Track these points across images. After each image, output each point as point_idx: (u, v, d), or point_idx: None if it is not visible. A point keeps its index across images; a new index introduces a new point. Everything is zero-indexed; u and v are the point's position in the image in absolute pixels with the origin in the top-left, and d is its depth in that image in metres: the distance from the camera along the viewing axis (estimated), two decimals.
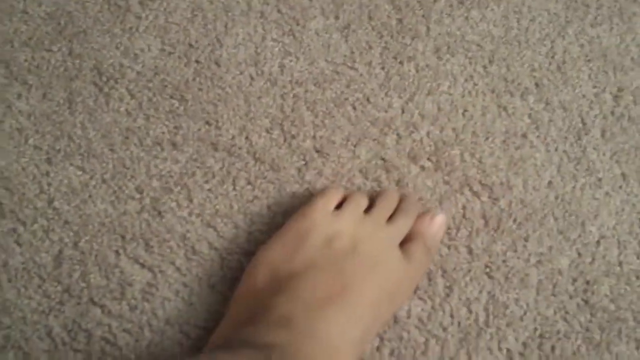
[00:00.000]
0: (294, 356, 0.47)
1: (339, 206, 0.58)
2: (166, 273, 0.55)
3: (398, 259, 0.55)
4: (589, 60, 0.70)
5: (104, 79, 0.65)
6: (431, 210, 0.61)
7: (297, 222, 0.56)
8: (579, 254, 0.59)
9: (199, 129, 0.63)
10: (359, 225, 0.56)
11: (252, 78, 0.67)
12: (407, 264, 0.55)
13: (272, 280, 0.53)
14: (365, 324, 0.51)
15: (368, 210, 0.58)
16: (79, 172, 0.60)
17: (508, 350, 0.54)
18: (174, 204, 0.59)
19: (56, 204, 0.58)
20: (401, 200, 0.60)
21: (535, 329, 0.55)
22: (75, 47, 0.67)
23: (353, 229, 0.55)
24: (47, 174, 0.60)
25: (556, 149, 0.64)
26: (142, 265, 0.56)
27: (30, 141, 0.61)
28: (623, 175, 0.63)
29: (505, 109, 0.67)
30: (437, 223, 0.59)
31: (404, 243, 0.57)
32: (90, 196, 0.59)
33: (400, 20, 0.72)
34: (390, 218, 0.58)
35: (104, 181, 0.60)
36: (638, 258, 0.59)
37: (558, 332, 0.55)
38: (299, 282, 0.51)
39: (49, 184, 0.59)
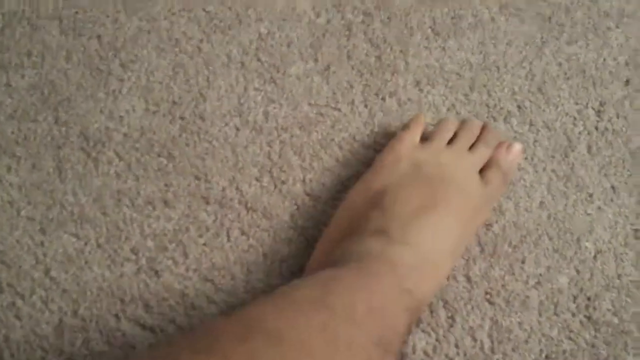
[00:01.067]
0: (390, 260, 0.50)
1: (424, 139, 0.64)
2: (167, 331, 0.55)
3: (478, 183, 0.60)
4: (568, 78, 0.71)
5: (91, 143, 0.65)
6: (508, 141, 0.64)
7: (387, 155, 0.61)
8: (577, 271, 0.59)
9: (189, 184, 0.63)
10: (443, 155, 0.61)
11: (237, 128, 0.67)
12: (486, 189, 0.60)
13: (366, 200, 0.57)
14: (454, 235, 0.56)
15: (452, 140, 0.64)
16: (74, 239, 0.60)
17: None
18: (170, 262, 0.59)
19: (53, 273, 0.58)
20: (482, 130, 0.65)
21: (541, 351, 0.55)
22: (61, 115, 0.67)
23: (438, 157, 0.61)
24: (42, 244, 0.59)
25: (544, 169, 0.65)
26: (143, 327, 0.55)
27: (23, 213, 0.61)
28: (613, 188, 0.64)
29: None
30: (514, 152, 0.63)
31: (484, 169, 0.62)
32: (86, 262, 0.59)
33: (378, 57, 0.73)
34: (472, 147, 0.63)
35: (99, 246, 0.59)
36: (636, 269, 0.59)
37: (564, 351, 0.55)
38: (392, 197, 0.56)
39: (45, 254, 0.59)
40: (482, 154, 0.62)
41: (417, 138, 0.63)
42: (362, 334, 0.43)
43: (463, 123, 0.65)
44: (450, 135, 0.64)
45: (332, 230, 0.58)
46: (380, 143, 0.66)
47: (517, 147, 0.63)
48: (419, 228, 0.53)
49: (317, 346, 0.41)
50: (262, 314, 0.43)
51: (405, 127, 0.64)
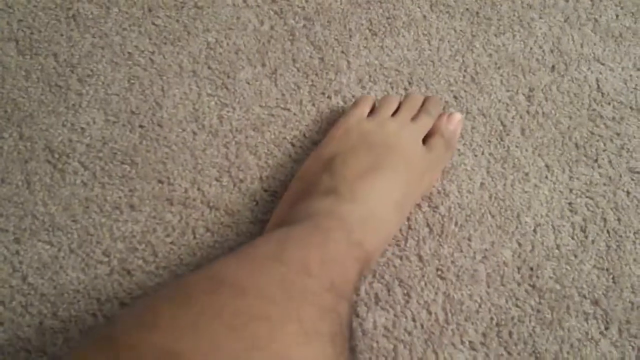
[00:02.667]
0: (339, 216, 0.53)
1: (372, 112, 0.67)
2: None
3: (422, 150, 0.63)
4: (498, 68, 0.75)
5: (57, 156, 0.66)
6: (449, 111, 0.70)
7: (337, 128, 0.65)
8: (519, 244, 0.63)
9: (153, 188, 0.65)
10: (388, 125, 0.64)
11: (194, 133, 0.69)
12: (429, 155, 0.64)
13: (321, 165, 0.61)
14: (398, 194, 0.59)
15: (395, 112, 0.67)
16: (47, 246, 0.61)
17: (470, 342, 0.57)
18: (140, 262, 0.61)
19: (30, 279, 0.59)
20: (425, 101, 0.69)
21: (492, 319, 0.59)
22: (25, 130, 0.68)
23: (383, 127, 0.64)
24: (17, 252, 0.61)
25: (482, 153, 0.69)
26: None
27: None
28: (547, 166, 0.68)
29: None
30: (454, 120, 0.67)
31: (427, 137, 0.66)
32: (61, 267, 0.60)
33: (322, 59, 0.75)
34: (414, 117, 0.66)
35: (71, 251, 0.61)
36: (573, 239, 0.63)
37: (512, 318, 0.59)
38: (341, 160, 0.60)
39: (21, 262, 0.60)
40: (424, 123, 0.66)
41: (365, 112, 0.67)
42: (316, 282, 0.46)
43: (406, 96, 0.69)
44: (394, 107, 0.67)
45: (287, 195, 0.61)
46: None
47: (457, 116, 0.67)
48: (366, 186, 0.57)
49: (276, 295, 0.44)
50: (227, 269, 0.46)
51: (354, 103, 0.68)
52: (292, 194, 0.61)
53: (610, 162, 0.68)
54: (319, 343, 0.43)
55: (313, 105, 0.72)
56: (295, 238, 0.51)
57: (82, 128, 0.69)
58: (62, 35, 0.75)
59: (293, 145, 0.69)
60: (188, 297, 0.43)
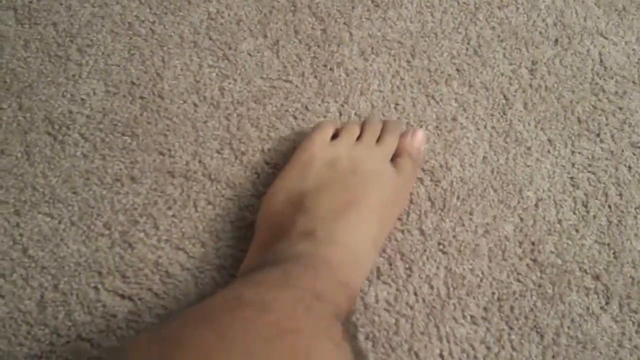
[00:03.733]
0: (323, 259, 0.52)
1: (334, 137, 0.64)
2: (145, 299, 0.57)
3: (391, 172, 0.61)
4: (501, 41, 0.75)
5: (56, 127, 0.66)
6: (411, 128, 0.67)
7: (300, 155, 0.62)
8: (521, 219, 0.63)
9: (154, 160, 0.65)
10: (354, 149, 0.62)
11: (195, 105, 0.69)
12: (398, 175, 0.62)
13: (287, 204, 0.59)
14: (376, 227, 0.58)
15: (359, 137, 0.64)
16: (48, 219, 0.61)
17: (472, 316, 0.58)
18: (142, 234, 0.61)
19: (31, 252, 0.59)
20: (384, 123, 0.67)
21: (493, 293, 0.59)
22: (24, 101, 0.68)
23: (349, 153, 0.62)
24: (18, 225, 0.61)
25: (485, 126, 0.68)
26: (122, 296, 0.57)
27: None
28: (549, 140, 0.68)
29: (433, 97, 0.70)
30: (418, 138, 0.65)
31: (393, 159, 0.64)
32: (62, 239, 0.60)
33: (324, 31, 0.75)
34: (379, 139, 0.64)
35: (72, 223, 0.61)
36: (574, 213, 0.64)
37: (514, 292, 0.59)
38: (313, 199, 0.58)
39: (21, 235, 0.60)
40: (389, 144, 0.64)
41: (328, 137, 0.64)
42: (326, 309, 0.47)
43: (365, 121, 0.66)
44: (357, 132, 0.65)
45: (259, 235, 0.59)
46: (331, 111, 0.69)
47: (420, 132, 0.65)
48: (343, 227, 0.55)
49: (299, 313, 0.44)
50: (244, 292, 0.46)
51: (316, 127, 0.65)
52: (263, 235, 0.59)
53: (612, 136, 0.68)
54: (348, 358, 0.44)
55: (315, 77, 0.72)
56: (294, 273, 0.50)
57: (82, 99, 0.69)
58: (61, 4, 0.75)
59: (295, 117, 0.69)
60: (212, 316, 0.43)
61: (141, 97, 0.69)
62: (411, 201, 0.64)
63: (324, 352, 0.43)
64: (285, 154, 0.66)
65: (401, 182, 0.62)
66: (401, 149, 0.64)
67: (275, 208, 0.59)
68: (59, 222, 0.61)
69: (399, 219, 0.63)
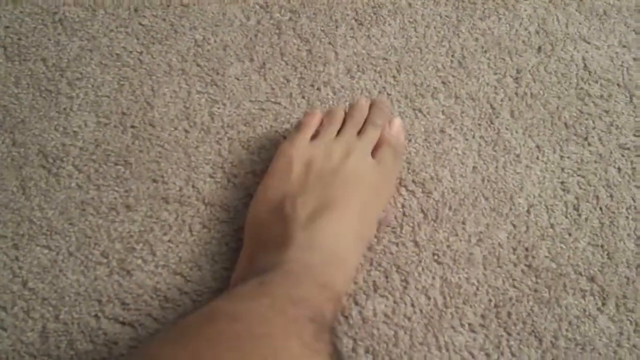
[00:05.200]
0: (303, 264, 0.53)
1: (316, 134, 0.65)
2: (145, 325, 0.58)
3: (372, 166, 0.62)
4: (485, 51, 0.76)
5: (50, 160, 0.67)
6: (390, 117, 0.67)
7: (278, 160, 0.63)
8: (514, 225, 0.63)
9: (148, 188, 0.65)
10: (333, 147, 0.62)
11: (186, 131, 0.69)
12: (380, 168, 0.62)
13: (269, 212, 0.59)
14: (355, 228, 0.58)
15: (341, 129, 0.65)
16: (46, 251, 0.61)
17: (470, 324, 0.58)
18: (139, 261, 0.61)
19: (30, 284, 0.60)
20: (370, 110, 0.67)
21: (490, 300, 0.59)
22: (17, 136, 0.68)
23: (328, 151, 0.62)
24: (17, 258, 0.61)
25: (473, 137, 0.69)
26: (123, 323, 0.58)
27: None
28: (538, 147, 0.68)
29: (420, 110, 0.71)
30: (395, 127, 0.66)
31: (375, 149, 0.64)
32: (60, 270, 0.60)
33: (309, 51, 0.75)
34: (360, 131, 0.65)
35: (70, 254, 0.61)
36: (566, 217, 0.64)
37: (510, 298, 0.59)
38: (291, 205, 0.58)
39: (20, 267, 0.61)
40: (370, 137, 0.64)
41: (308, 136, 0.64)
42: (300, 312, 0.47)
43: (350, 108, 0.67)
44: (338, 125, 0.65)
45: (246, 247, 0.59)
46: None
47: (396, 121, 0.66)
48: (322, 229, 0.55)
49: (272, 318, 0.45)
50: (218, 305, 0.48)
51: (296, 126, 0.65)
52: (249, 246, 0.59)
53: (600, 139, 0.69)
54: (321, 357, 0.44)
55: (303, 97, 0.72)
56: (270, 282, 0.50)
57: (74, 131, 0.69)
58: (49, 39, 0.75)
59: (285, 138, 0.68)
60: (186, 333, 0.44)
61: (132, 127, 0.70)
62: (404, 214, 0.64)
63: (294, 354, 0.43)
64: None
65: (383, 174, 0.63)
66: (381, 140, 0.64)
67: (258, 218, 0.60)
68: (57, 254, 0.62)
69: (392, 231, 0.63)
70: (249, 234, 0.60)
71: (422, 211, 0.64)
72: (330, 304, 0.52)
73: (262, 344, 0.43)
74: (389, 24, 0.78)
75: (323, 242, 0.55)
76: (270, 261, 0.54)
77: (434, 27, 0.78)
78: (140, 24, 0.77)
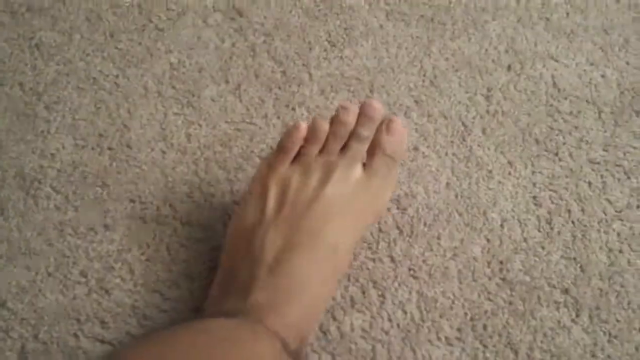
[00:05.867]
0: (268, 308, 0.51)
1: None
2: (125, 343, 0.58)
3: (356, 185, 0.58)
4: (456, 70, 0.77)
5: (28, 182, 0.67)
6: (386, 118, 0.59)
7: (255, 185, 0.58)
8: (488, 240, 0.64)
9: (126, 208, 0.66)
10: (310, 171, 0.57)
11: (163, 152, 0.70)
12: (371, 181, 0.58)
13: (241, 241, 0.56)
14: (330, 262, 0.56)
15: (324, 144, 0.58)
16: (25, 271, 0.62)
17: (446, 337, 0.59)
18: (118, 280, 0.61)
19: (9, 304, 0.60)
20: (357, 119, 0.58)
21: (466, 314, 0.60)
22: None
23: (307, 174, 0.57)
24: None
25: (446, 154, 0.70)
26: (102, 342, 0.58)
27: None
28: (509, 163, 0.70)
29: None
30: (393, 129, 0.58)
31: (368, 158, 0.59)
32: (39, 290, 0.61)
33: (284, 73, 0.76)
34: (345, 146, 0.58)
35: (49, 274, 0.62)
36: (539, 231, 0.65)
37: (486, 312, 0.60)
38: (259, 242, 0.55)
39: None
40: (354, 152, 0.58)
41: (288, 158, 0.58)
42: (268, 333, 0.48)
43: (333, 120, 0.59)
44: (320, 142, 0.58)
45: (221, 274, 0.58)
46: None
47: (395, 122, 0.59)
48: (286, 275, 0.53)
49: (241, 329, 0.47)
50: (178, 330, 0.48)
51: (277, 146, 0.59)
52: (224, 273, 0.57)
53: (570, 154, 0.70)
54: None
55: (278, 118, 0.73)
56: (237, 333, 0.49)
57: (51, 154, 0.69)
58: (26, 64, 0.76)
59: (261, 157, 0.70)
60: (156, 339, 0.45)
61: (109, 148, 0.70)
62: (379, 230, 0.65)
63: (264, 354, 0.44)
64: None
65: (373, 188, 0.59)
66: (375, 146, 0.58)
67: (232, 247, 0.58)
68: (36, 274, 0.62)
69: (368, 247, 0.64)
70: (224, 265, 0.58)
71: (398, 227, 0.65)
72: (296, 340, 0.52)
73: (234, 348, 0.43)
74: (362, 45, 0.79)
75: (289, 287, 0.53)
76: (235, 306, 0.52)
77: (406, 48, 0.79)
78: (116, 47, 0.78)
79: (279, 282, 0.53)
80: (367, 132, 0.58)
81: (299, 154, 0.58)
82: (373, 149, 0.59)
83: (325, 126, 0.58)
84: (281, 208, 0.56)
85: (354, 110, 0.58)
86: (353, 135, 0.58)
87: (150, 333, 0.48)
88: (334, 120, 0.58)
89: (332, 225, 0.56)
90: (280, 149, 0.58)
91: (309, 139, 0.58)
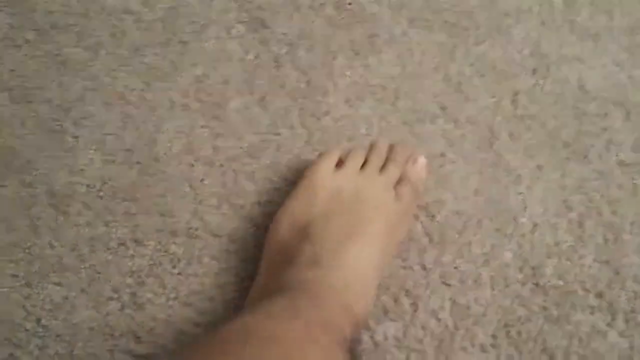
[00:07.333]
0: (328, 284, 0.54)
1: (339, 164, 0.66)
2: (159, 357, 0.59)
3: (393, 200, 0.63)
4: (481, 75, 0.76)
5: (59, 199, 0.67)
6: (414, 154, 0.67)
7: (304, 184, 0.64)
8: (519, 245, 0.64)
9: (156, 222, 0.66)
10: (357, 179, 0.64)
11: (191, 165, 0.70)
12: (399, 203, 0.63)
13: (293, 232, 0.61)
14: (378, 254, 0.59)
15: (364, 164, 0.66)
16: (58, 288, 0.62)
17: (481, 344, 0.59)
18: (150, 295, 0.62)
19: (44, 321, 0.60)
20: (390, 150, 0.67)
21: (499, 320, 0.60)
22: (25, 177, 0.69)
23: (353, 182, 0.63)
24: (29, 296, 0.62)
25: (474, 159, 0.70)
26: (136, 357, 0.59)
27: (7, 271, 0.63)
28: (538, 167, 0.69)
29: (420, 136, 0.72)
30: (418, 165, 0.67)
31: (396, 186, 0.64)
32: (73, 306, 0.61)
33: (308, 83, 0.76)
34: (383, 167, 0.65)
35: (82, 290, 0.62)
36: (571, 235, 0.65)
37: (520, 318, 0.60)
38: (318, 228, 0.59)
39: (33, 305, 0.61)
40: (392, 173, 0.65)
41: (332, 165, 0.65)
42: (330, 338, 0.48)
43: (371, 147, 0.68)
44: (361, 160, 0.66)
45: (265, 266, 0.61)
46: None
47: (421, 159, 0.67)
48: (347, 254, 0.57)
49: (307, 347, 0.45)
50: (253, 321, 0.48)
51: (320, 155, 0.67)
52: (269, 264, 0.61)
53: (600, 157, 0.70)
54: None
55: (304, 127, 0.73)
56: (300, 302, 0.52)
57: (80, 169, 0.70)
58: (53, 81, 0.76)
59: (288, 168, 0.70)
60: (222, 349, 0.44)
61: (138, 162, 0.70)
62: (410, 238, 0.65)
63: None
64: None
65: (402, 210, 0.63)
66: (403, 176, 0.65)
67: (280, 236, 0.61)
68: (69, 290, 0.62)
69: (399, 256, 0.64)
70: (270, 250, 0.61)
71: (428, 235, 0.65)
72: (351, 327, 0.52)
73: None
74: (386, 53, 0.79)
75: (348, 266, 0.56)
76: (295, 278, 0.55)
77: (430, 54, 0.79)
78: (142, 62, 0.78)
79: (340, 263, 0.56)
80: (401, 159, 0.66)
81: (342, 165, 0.66)
82: (402, 178, 0.65)
83: (363, 151, 0.68)
84: (333, 204, 0.62)
85: (386, 144, 0.68)
86: (390, 159, 0.66)
87: (214, 337, 0.48)
88: (372, 146, 0.68)
89: (377, 225, 0.60)
90: (324, 155, 0.67)
91: (351, 155, 0.67)
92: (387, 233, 0.60)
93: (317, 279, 0.55)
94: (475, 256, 0.64)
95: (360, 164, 0.66)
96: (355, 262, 0.57)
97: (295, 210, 0.62)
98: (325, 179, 0.63)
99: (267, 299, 0.53)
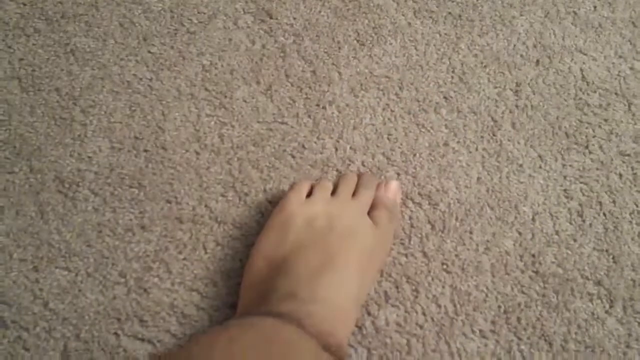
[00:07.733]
0: (303, 318, 0.52)
1: (309, 195, 0.65)
2: (164, 341, 0.59)
3: (369, 226, 0.62)
4: (485, 66, 0.77)
5: (67, 185, 0.68)
6: (385, 179, 0.69)
7: (277, 216, 0.63)
8: (520, 233, 0.65)
9: (162, 208, 0.67)
10: (330, 206, 0.63)
11: (197, 153, 0.71)
12: (375, 229, 0.62)
13: (269, 267, 0.59)
14: (356, 282, 0.57)
15: (334, 192, 0.66)
16: (65, 272, 0.63)
17: (481, 330, 0.59)
18: (156, 279, 0.63)
19: (51, 305, 0.61)
20: (359, 177, 0.68)
21: (499, 307, 0.61)
22: (34, 164, 0.70)
23: (326, 209, 0.62)
24: (37, 280, 0.62)
25: (476, 149, 0.71)
26: (142, 340, 0.59)
27: (15, 256, 0.64)
28: (540, 156, 0.70)
29: (423, 125, 0.73)
30: (391, 189, 0.67)
31: (370, 212, 0.64)
32: (80, 290, 0.62)
33: (314, 72, 0.77)
34: (354, 194, 0.65)
35: (89, 275, 0.63)
36: (571, 224, 0.66)
37: (519, 304, 0.61)
38: (293, 262, 0.58)
39: (41, 289, 0.62)
40: (364, 198, 0.65)
41: (303, 196, 0.64)
42: (311, 344, 0.49)
43: (340, 177, 0.68)
44: (330, 188, 0.66)
45: (243, 301, 0.59)
46: (327, 147, 0.72)
47: (394, 183, 0.67)
48: (323, 285, 0.55)
49: (287, 332, 0.47)
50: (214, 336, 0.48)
51: (291, 186, 0.66)
52: (247, 301, 0.59)
53: (600, 147, 0.71)
54: None
55: (309, 117, 0.74)
56: (273, 326, 0.51)
57: (89, 157, 0.71)
58: (62, 69, 0.77)
59: (293, 156, 0.71)
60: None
61: (145, 150, 0.71)
62: (412, 225, 0.66)
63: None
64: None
65: (379, 235, 0.62)
66: (377, 202, 0.65)
67: (255, 276, 0.60)
68: (76, 275, 0.63)
69: (401, 243, 0.65)
70: (247, 293, 0.60)
71: (430, 222, 0.66)
72: (331, 349, 0.52)
73: (279, 346, 0.44)
74: (390, 44, 0.79)
75: (326, 297, 0.55)
76: (269, 313, 0.53)
77: (434, 45, 0.79)
78: (149, 51, 0.79)
79: (316, 295, 0.54)
80: (372, 184, 0.67)
81: (312, 194, 0.65)
82: (376, 203, 0.65)
83: (331, 180, 0.69)
84: (308, 234, 0.60)
85: (355, 174, 0.69)
86: (360, 185, 0.66)
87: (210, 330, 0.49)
88: (342, 175, 0.69)
89: (353, 252, 0.59)
90: (293, 186, 0.66)
91: (319, 185, 0.66)
92: (364, 260, 0.59)
93: (293, 310, 0.53)
94: (476, 244, 0.65)
95: (330, 191, 0.66)
96: (332, 294, 0.55)
97: (268, 246, 0.61)
98: (296, 210, 0.62)
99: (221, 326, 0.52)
